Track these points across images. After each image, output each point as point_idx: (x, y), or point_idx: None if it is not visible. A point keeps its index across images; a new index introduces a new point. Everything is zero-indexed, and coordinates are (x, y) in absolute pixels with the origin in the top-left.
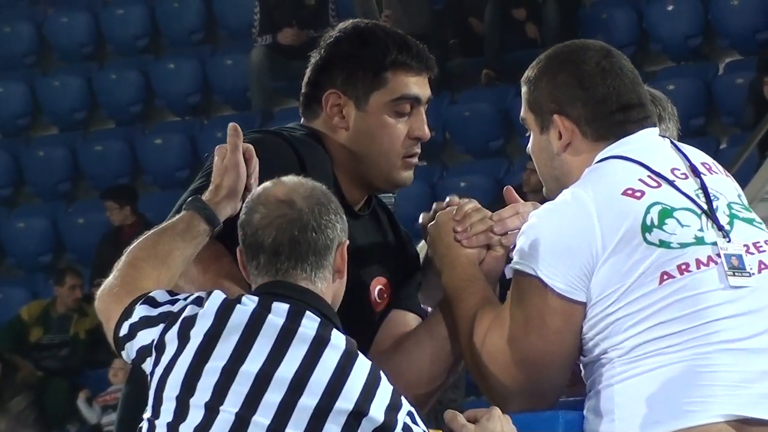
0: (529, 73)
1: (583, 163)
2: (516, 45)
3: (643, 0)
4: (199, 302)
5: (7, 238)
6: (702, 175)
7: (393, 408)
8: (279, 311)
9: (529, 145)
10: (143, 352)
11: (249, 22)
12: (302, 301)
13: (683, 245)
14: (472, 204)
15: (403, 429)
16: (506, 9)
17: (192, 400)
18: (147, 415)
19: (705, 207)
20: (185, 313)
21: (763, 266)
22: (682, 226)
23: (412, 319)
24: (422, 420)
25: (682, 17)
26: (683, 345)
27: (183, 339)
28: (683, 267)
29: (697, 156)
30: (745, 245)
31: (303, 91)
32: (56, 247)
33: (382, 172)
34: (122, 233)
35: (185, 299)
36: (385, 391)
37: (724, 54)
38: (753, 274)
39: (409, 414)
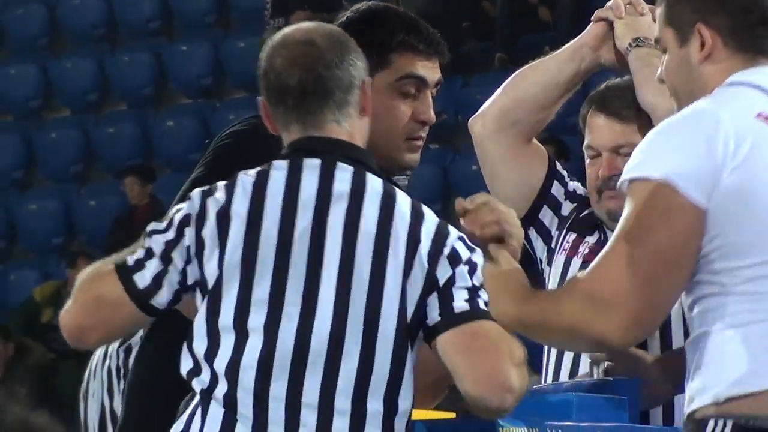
0: None
1: (720, 76)
2: (529, 28)
3: None
4: (209, 192)
5: (19, 220)
6: None
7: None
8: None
9: (661, 68)
10: (183, 265)
11: (261, 4)
12: (330, 153)
13: None
14: (483, 197)
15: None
16: None
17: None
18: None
19: None
20: (213, 207)
21: None
22: None
23: None
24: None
25: None
26: None
27: (223, 230)
28: None
29: None
30: None
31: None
32: (68, 229)
33: (386, 152)
34: (135, 215)
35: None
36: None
37: None
38: None
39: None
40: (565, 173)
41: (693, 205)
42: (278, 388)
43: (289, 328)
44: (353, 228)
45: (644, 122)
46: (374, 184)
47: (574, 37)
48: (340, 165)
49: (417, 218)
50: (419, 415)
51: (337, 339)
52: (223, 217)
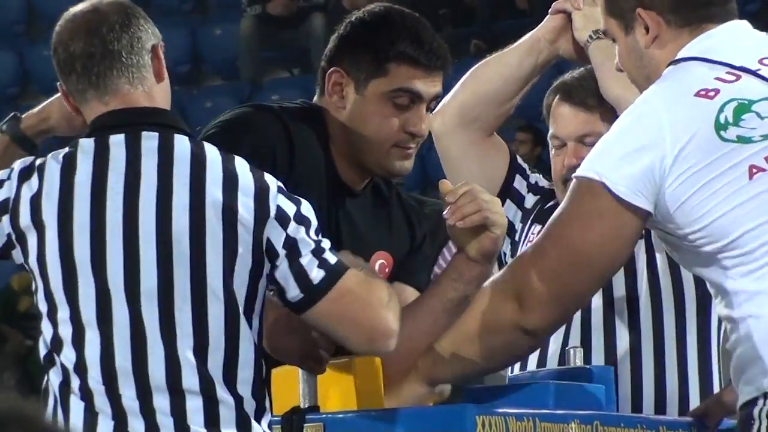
0: None
1: (670, 55)
2: (506, 15)
3: None
4: (27, 174)
5: None
6: None
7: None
8: (117, 142)
9: (616, 58)
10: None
11: None
12: (133, 124)
13: (766, 136)
14: (465, 186)
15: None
16: None
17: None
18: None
19: None
20: (25, 193)
21: None
22: (762, 117)
23: (410, 293)
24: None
25: None
26: None
27: (38, 221)
28: None
29: None
30: None
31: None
32: None
33: (373, 158)
34: None
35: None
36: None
37: None
38: None
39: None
40: (526, 166)
41: (625, 207)
42: (125, 376)
43: (121, 317)
44: (166, 201)
45: (608, 111)
46: (181, 147)
47: None
48: (146, 134)
49: (231, 180)
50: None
51: (167, 321)
52: (36, 208)
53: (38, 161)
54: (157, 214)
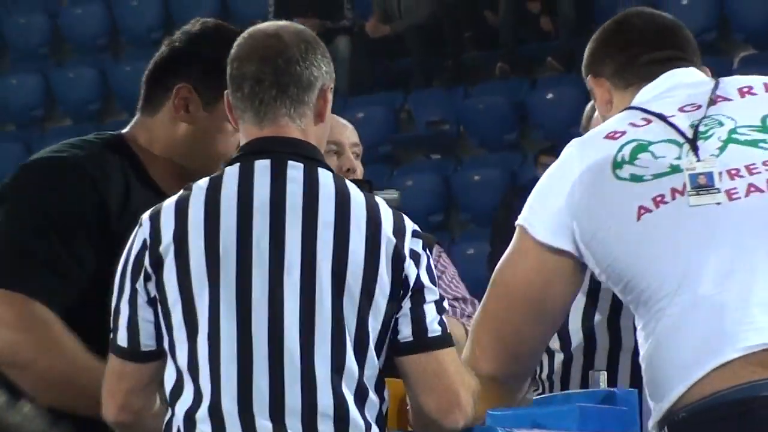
0: None
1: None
2: (530, 38)
3: None
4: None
5: None
6: (718, 103)
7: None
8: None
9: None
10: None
11: (263, 13)
12: (279, 152)
13: (657, 176)
14: None
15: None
16: (521, 1)
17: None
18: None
19: (691, 136)
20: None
21: (752, 189)
22: (657, 157)
23: None
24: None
25: (697, 11)
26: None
27: (181, 242)
28: (659, 199)
29: (739, 83)
30: (733, 169)
31: (150, 77)
32: None
33: (206, 172)
34: None
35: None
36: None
37: (739, 48)
38: (720, 190)
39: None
40: None
41: (545, 248)
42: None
43: (260, 332)
44: (311, 228)
45: None
46: (326, 180)
47: (575, 47)
48: (291, 163)
49: (374, 214)
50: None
51: (307, 346)
52: (181, 238)
53: (177, 196)
54: (302, 240)
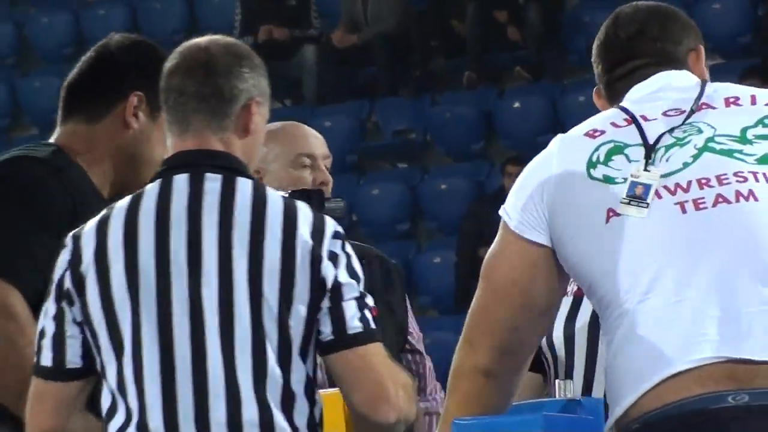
0: None
1: None
2: (498, 47)
3: (624, 3)
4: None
5: None
6: (701, 111)
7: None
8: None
9: None
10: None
11: (230, 23)
12: (198, 165)
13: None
14: None
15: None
16: (488, 11)
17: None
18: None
19: (651, 143)
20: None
21: (720, 200)
22: (630, 161)
23: None
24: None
25: None
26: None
27: (101, 263)
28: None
29: (728, 92)
30: (704, 178)
31: (88, 87)
32: None
33: (144, 178)
34: None
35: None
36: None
37: (706, 58)
38: (648, 205)
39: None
40: None
41: (525, 241)
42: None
43: (182, 347)
44: (227, 239)
45: None
46: (244, 189)
47: (542, 57)
48: (209, 176)
49: (291, 219)
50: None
51: (229, 357)
52: (101, 257)
53: (99, 216)
54: (219, 250)
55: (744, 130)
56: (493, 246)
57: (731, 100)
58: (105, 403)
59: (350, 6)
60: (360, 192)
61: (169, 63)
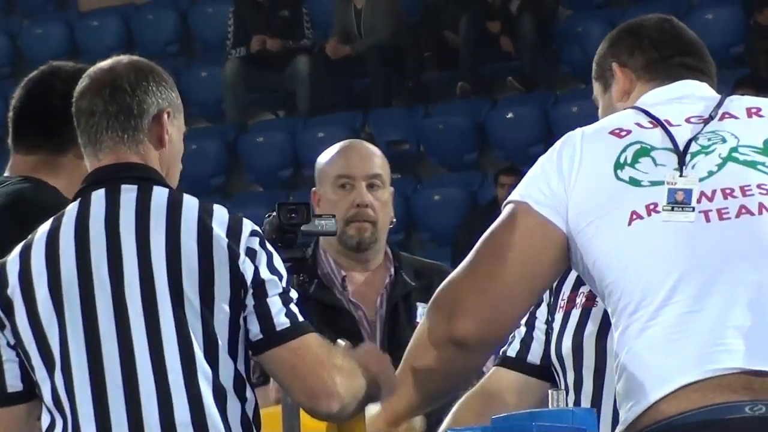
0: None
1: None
2: (491, 58)
3: (618, 14)
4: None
5: None
6: (724, 119)
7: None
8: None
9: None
10: None
11: (224, 34)
12: (113, 179)
13: (654, 183)
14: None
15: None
16: (481, 22)
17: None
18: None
19: (682, 149)
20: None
21: (743, 211)
22: (657, 165)
23: None
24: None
25: None
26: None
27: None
28: (651, 207)
29: (749, 103)
30: (728, 188)
31: (56, 115)
32: None
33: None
34: None
35: None
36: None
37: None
38: (694, 209)
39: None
40: None
41: (540, 219)
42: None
43: (110, 355)
44: (145, 246)
45: None
46: (159, 196)
47: (535, 67)
48: (125, 187)
49: (206, 220)
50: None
51: (157, 361)
52: (25, 279)
53: (23, 243)
54: (138, 260)
55: (766, 142)
56: (502, 221)
57: (753, 110)
58: (45, 422)
59: (343, 17)
60: None
61: (78, 86)
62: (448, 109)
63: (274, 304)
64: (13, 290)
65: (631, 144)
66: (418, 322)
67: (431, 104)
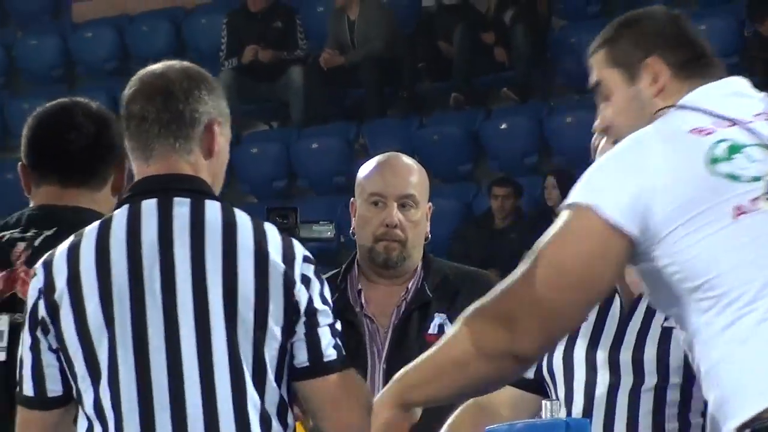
0: (602, 37)
1: (669, 105)
2: (485, 69)
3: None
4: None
5: None
6: None
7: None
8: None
9: (604, 114)
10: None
11: (217, 45)
12: (165, 190)
13: (754, 179)
14: None
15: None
16: (475, 33)
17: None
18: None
19: None
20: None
21: None
22: (752, 161)
23: None
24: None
25: None
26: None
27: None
28: (756, 200)
29: None
30: None
31: (94, 151)
32: None
33: None
34: None
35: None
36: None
37: None
38: None
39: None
40: None
41: (611, 229)
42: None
43: (159, 373)
44: (200, 264)
45: None
46: (213, 212)
47: (529, 78)
48: (177, 200)
49: (261, 242)
50: None
51: (207, 382)
52: (75, 284)
53: (67, 243)
54: (192, 275)
55: None
56: (561, 233)
57: None
58: (81, 427)
59: (337, 28)
60: (348, 214)
61: (128, 90)
62: (443, 120)
63: (324, 335)
64: (61, 295)
65: (720, 141)
66: (432, 335)
67: (425, 115)
